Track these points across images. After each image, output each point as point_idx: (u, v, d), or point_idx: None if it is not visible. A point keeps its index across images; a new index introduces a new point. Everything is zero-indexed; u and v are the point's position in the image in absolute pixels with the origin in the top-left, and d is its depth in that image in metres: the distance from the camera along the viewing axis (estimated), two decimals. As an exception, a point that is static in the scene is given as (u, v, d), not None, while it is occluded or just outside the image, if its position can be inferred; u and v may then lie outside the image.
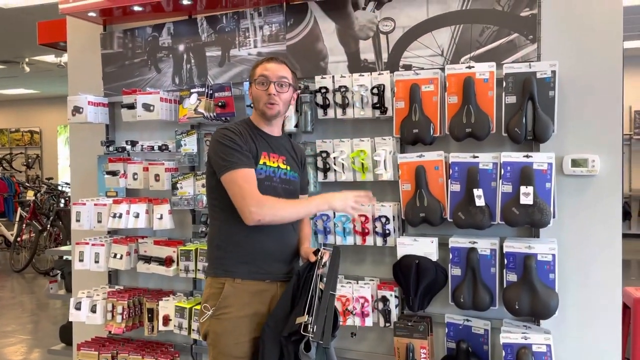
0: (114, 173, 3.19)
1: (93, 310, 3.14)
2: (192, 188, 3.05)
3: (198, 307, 2.93)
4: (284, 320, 2.06)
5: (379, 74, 2.67)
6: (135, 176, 3.17)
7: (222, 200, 2.14)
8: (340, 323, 2.69)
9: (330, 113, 2.76)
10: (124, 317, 3.08)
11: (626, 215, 9.13)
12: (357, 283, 2.69)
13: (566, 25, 2.51)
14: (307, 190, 2.49)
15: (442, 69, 2.61)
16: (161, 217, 3.08)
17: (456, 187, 2.51)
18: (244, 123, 2.26)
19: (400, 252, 2.57)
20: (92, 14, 3.25)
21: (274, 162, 2.21)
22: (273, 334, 2.05)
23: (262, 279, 2.15)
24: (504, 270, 2.43)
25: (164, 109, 3.08)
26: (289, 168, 2.26)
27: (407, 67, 2.73)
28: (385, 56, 2.79)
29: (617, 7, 2.44)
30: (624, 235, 2.53)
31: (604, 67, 2.46)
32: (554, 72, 2.40)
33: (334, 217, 2.72)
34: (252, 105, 2.85)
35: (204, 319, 2.15)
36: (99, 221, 3.16)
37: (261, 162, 2.16)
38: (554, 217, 2.39)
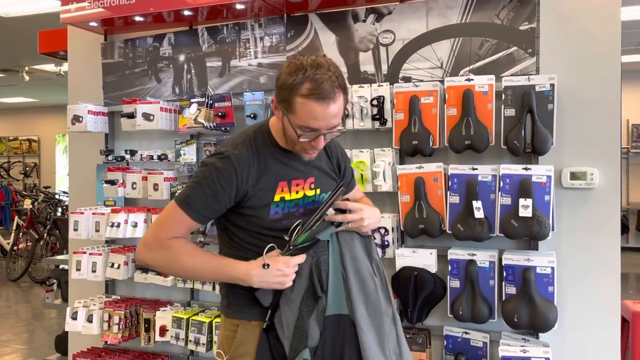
0: (112, 182, 3.19)
1: (89, 320, 3.11)
2: (191, 198, 3.04)
3: (195, 317, 2.92)
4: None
5: (378, 86, 2.69)
6: (134, 185, 3.17)
7: (234, 235, 1.73)
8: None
9: (330, 124, 2.76)
10: (121, 327, 3.06)
11: (624, 228, 9.14)
12: (356, 294, 2.67)
13: (565, 39, 2.53)
14: (352, 186, 1.99)
15: (442, 81, 2.62)
16: (159, 227, 3.06)
17: (455, 199, 2.51)
18: (261, 138, 1.72)
19: (399, 264, 2.56)
20: (93, 23, 3.26)
21: (297, 193, 1.72)
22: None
23: None
24: (503, 283, 2.42)
25: (163, 118, 3.08)
26: (318, 191, 1.77)
27: (407, 79, 2.75)
28: (384, 68, 2.81)
29: (616, 21, 2.46)
30: (622, 249, 2.53)
31: (602, 80, 2.47)
32: (552, 85, 2.41)
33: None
34: (252, 116, 2.90)
35: None
36: (97, 230, 3.15)
37: (277, 198, 1.68)
38: (552, 229, 2.40)
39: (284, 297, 1.62)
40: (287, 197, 1.69)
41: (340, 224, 1.68)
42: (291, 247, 1.63)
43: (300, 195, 1.72)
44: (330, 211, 1.69)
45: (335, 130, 1.63)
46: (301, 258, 1.62)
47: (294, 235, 1.64)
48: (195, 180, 1.64)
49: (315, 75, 1.53)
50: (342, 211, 1.71)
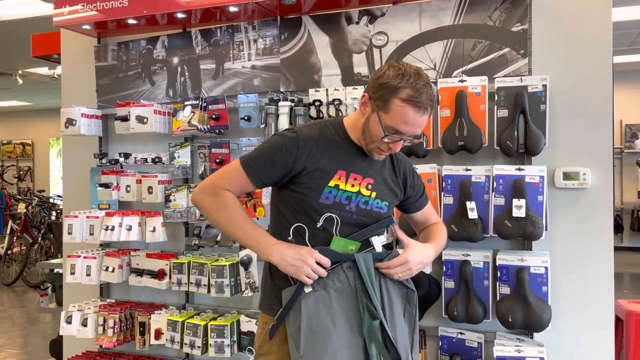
0: (106, 185, 3.18)
1: (84, 324, 3.11)
2: (185, 200, 3.05)
3: (191, 320, 2.91)
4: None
5: (372, 88, 2.69)
6: (128, 188, 3.16)
7: (282, 216, 1.76)
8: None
9: (324, 126, 2.76)
10: (115, 330, 3.05)
11: (618, 228, 9.17)
12: (351, 296, 2.67)
13: (557, 40, 2.54)
14: (420, 207, 1.95)
15: (435, 83, 2.63)
16: (154, 230, 3.06)
17: (449, 200, 2.52)
18: (333, 128, 1.78)
19: (394, 265, 2.56)
20: (86, 26, 3.26)
21: (352, 186, 1.72)
22: None
23: None
24: (497, 283, 2.43)
25: (157, 121, 3.08)
26: (373, 195, 1.76)
27: (400, 81, 2.75)
28: (378, 70, 2.81)
29: (607, 22, 2.48)
30: (617, 248, 2.55)
31: (594, 81, 2.49)
32: (545, 86, 2.42)
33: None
34: (246, 118, 2.90)
35: None
36: (91, 234, 3.14)
37: (332, 183, 1.70)
38: (546, 229, 2.41)
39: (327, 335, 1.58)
40: (342, 186, 1.71)
41: (380, 257, 1.70)
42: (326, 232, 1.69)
43: (355, 189, 1.73)
44: (378, 240, 1.72)
45: (414, 139, 1.74)
46: (326, 261, 1.63)
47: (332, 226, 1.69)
48: (263, 145, 1.76)
49: (417, 84, 1.62)
50: (389, 247, 1.75)
